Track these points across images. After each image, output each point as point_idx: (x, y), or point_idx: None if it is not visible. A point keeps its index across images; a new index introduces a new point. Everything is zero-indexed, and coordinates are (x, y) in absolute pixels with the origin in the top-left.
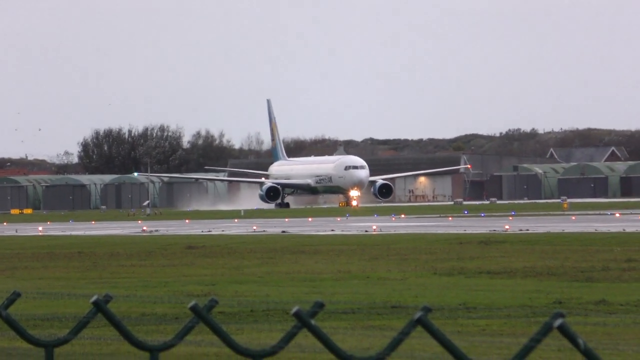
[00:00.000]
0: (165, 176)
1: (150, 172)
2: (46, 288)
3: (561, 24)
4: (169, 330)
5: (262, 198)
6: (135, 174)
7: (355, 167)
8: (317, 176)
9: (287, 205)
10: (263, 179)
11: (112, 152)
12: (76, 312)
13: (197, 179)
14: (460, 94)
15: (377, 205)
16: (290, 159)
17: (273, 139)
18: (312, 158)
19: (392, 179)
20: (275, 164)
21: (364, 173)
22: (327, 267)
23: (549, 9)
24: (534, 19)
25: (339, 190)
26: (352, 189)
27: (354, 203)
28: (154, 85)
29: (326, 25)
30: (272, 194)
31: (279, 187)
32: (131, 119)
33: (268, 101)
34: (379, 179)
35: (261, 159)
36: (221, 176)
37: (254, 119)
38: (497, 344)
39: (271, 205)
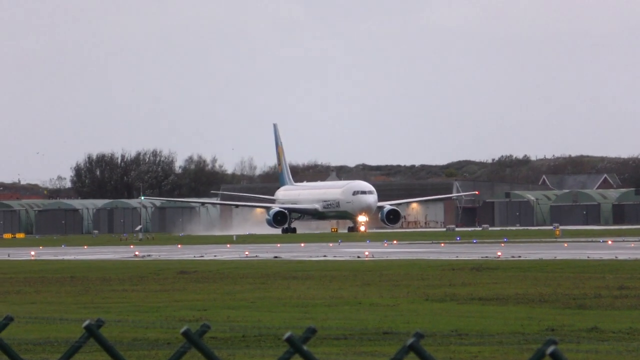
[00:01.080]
0: (172, 200)
1: (145, 197)
2: (38, 313)
3: (554, 51)
4: (161, 356)
5: (269, 223)
6: (142, 197)
7: (364, 192)
8: (325, 201)
9: (294, 230)
10: (270, 204)
11: (104, 177)
12: (68, 337)
13: (203, 203)
14: (453, 120)
15: (385, 230)
16: (297, 183)
17: (279, 164)
18: (320, 183)
19: (399, 205)
20: (282, 188)
21: (372, 198)
22: (319, 292)
23: (542, 37)
24: (527, 46)
25: (346, 215)
26: (360, 214)
27: (362, 228)
28: (148, 111)
29: (319, 52)
30: (279, 218)
31: (286, 211)
32: (124, 144)
33: (274, 125)
34: (387, 205)
35: (253, 184)
36: (214, 201)
37: (247, 144)
38: None
39: (278, 231)
